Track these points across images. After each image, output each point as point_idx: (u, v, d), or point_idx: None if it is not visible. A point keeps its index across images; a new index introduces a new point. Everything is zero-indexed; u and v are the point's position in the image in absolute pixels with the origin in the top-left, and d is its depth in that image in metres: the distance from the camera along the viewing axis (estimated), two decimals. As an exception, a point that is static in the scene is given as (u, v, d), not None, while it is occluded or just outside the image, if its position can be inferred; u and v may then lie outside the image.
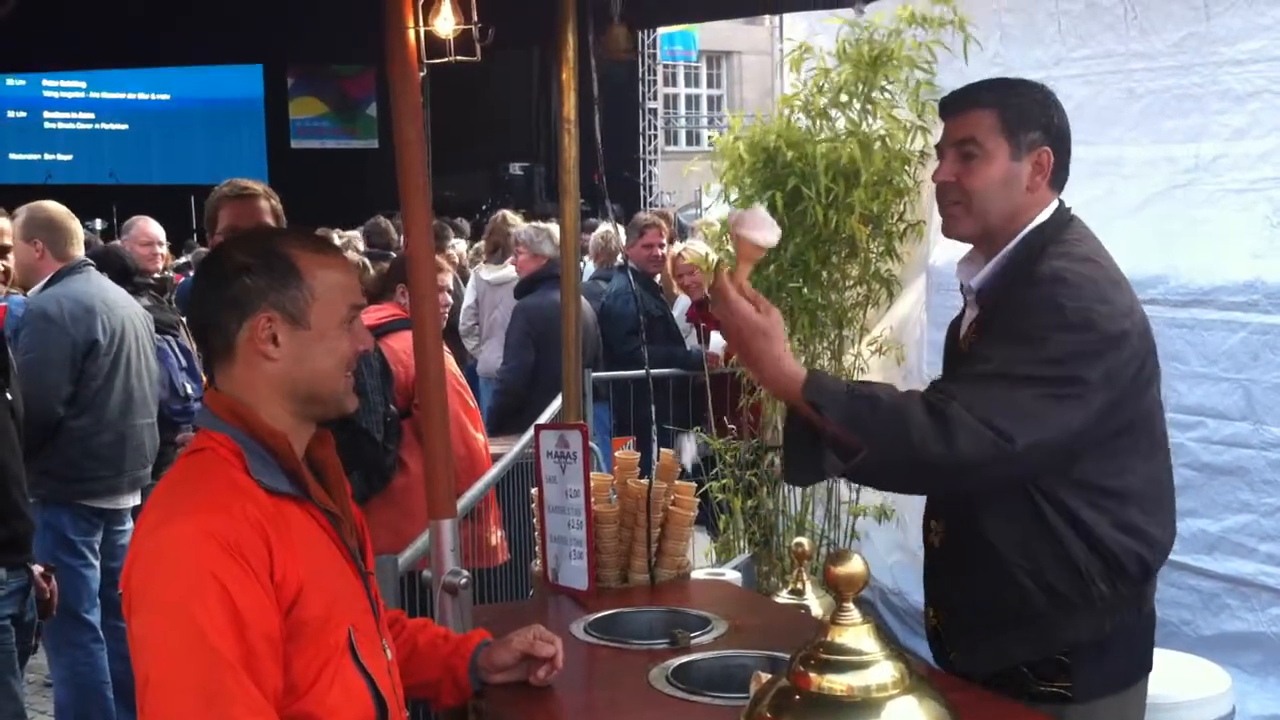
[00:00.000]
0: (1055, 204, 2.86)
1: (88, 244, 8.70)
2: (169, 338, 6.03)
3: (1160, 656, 3.81)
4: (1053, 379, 2.61)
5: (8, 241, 4.47)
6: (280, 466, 2.28)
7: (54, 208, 5.48)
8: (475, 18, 3.41)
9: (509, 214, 9.57)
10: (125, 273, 6.07)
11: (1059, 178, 2.86)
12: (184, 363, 6.00)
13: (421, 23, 3.21)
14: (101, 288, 5.48)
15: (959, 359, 2.91)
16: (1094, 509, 2.71)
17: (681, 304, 8.67)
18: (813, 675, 2.21)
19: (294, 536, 2.23)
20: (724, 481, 6.34)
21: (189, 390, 5.97)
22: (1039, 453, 2.62)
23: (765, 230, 2.69)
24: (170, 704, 2.05)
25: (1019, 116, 2.80)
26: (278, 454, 2.28)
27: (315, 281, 2.30)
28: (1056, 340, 2.63)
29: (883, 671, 2.19)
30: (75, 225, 5.52)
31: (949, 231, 2.95)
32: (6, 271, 4.46)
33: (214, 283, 2.31)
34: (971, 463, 2.60)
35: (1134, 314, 2.74)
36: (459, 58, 3.46)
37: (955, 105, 2.91)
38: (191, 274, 7.32)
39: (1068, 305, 2.64)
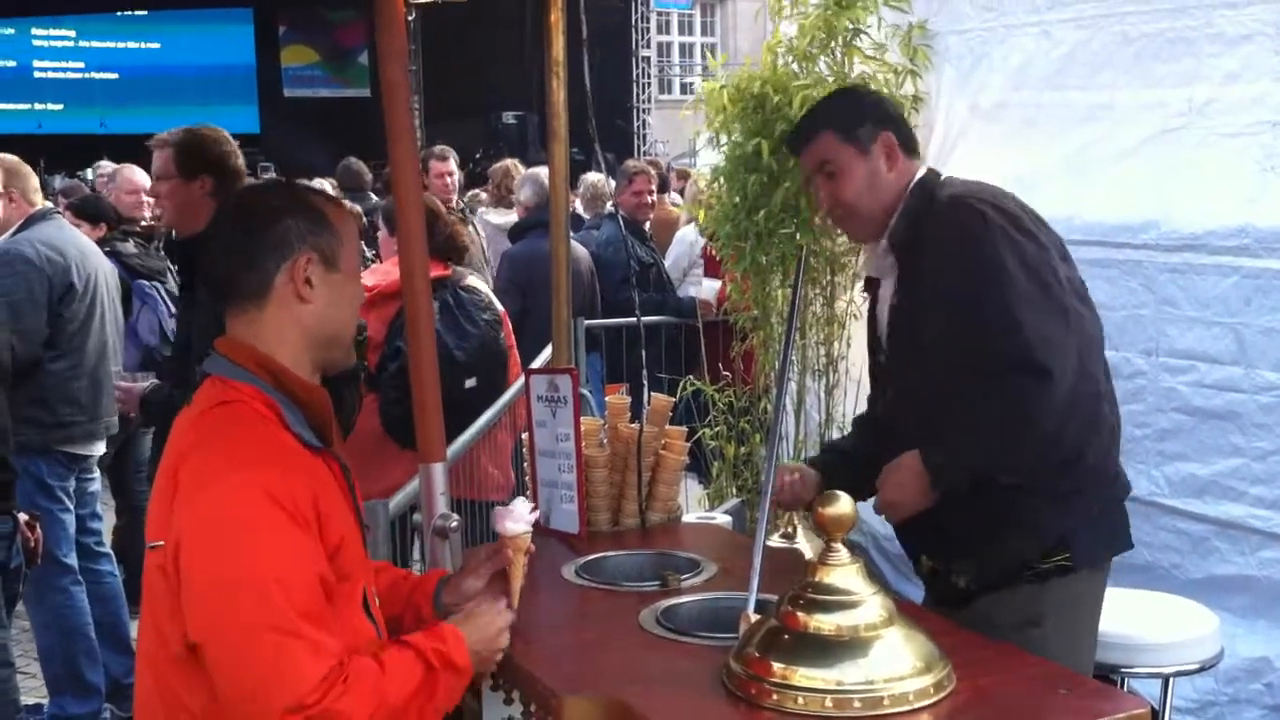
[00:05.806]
0: (924, 169, 3.11)
1: (72, 192, 8.70)
2: (156, 284, 6.02)
3: (1149, 598, 3.86)
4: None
5: None
6: (308, 421, 2.29)
7: (11, 157, 5.54)
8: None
9: (514, 162, 9.45)
10: (104, 218, 6.09)
11: (909, 146, 3.11)
12: (173, 309, 5.98)
13: (408, -38, 3.17)
14: (73, 235, 5.56)
15: (887, 339, 3.13)
16: None
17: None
18: (801, 615, 2.23)
19: (330, 494, 2.25)
20: (716, 429, 6.34)
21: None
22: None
23: (511, 521, 2.61)
24: (242, 662, 2.06)
25: (849, 121, 3.07)
26: (311, 408, 2.30)
27: (341, 228, 2.37)
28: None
29: (870, 610, 2.20)
30: (32, 172, 5.61)
31: (855, 240, 3.36)
32: None
33: (253, 226, 2.32)
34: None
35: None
36: (446, -1, 3.40)
37: (798, 141, 3.18)
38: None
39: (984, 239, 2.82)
